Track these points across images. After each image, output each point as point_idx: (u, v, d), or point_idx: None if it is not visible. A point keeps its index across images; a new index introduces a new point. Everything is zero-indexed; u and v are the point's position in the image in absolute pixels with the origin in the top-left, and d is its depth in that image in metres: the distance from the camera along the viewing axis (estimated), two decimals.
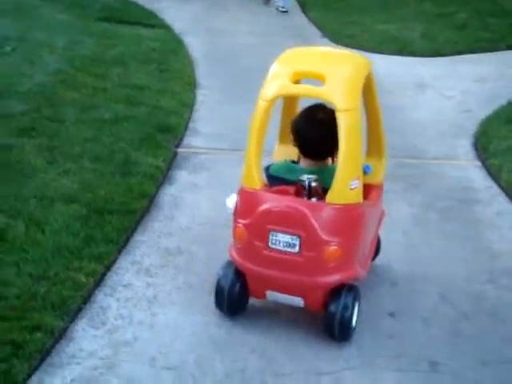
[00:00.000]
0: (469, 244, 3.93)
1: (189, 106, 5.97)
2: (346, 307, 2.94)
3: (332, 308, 2.94)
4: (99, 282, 3.33)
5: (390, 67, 7.10)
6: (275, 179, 3.04)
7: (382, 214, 3.41)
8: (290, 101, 3.35)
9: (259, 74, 3.16)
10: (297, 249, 2.86)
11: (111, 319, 3.09)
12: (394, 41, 8.05)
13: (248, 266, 3.00)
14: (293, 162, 3.15)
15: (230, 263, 3.12)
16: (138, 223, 3.91)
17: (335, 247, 2.85)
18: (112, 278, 3.39)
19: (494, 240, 3.98)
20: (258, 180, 2.94)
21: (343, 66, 2.98)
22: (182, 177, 4.63)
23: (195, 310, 3.20)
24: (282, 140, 3.42)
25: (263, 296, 3.07)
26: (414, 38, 8.17)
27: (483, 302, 3.40)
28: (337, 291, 2.95)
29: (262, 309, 3.21)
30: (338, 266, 2.90)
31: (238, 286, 3.06)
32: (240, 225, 2.97)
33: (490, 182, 4.73)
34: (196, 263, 3.58)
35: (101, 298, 3.23)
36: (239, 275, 3.06)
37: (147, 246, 3.72)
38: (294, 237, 2.85)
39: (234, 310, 3.12)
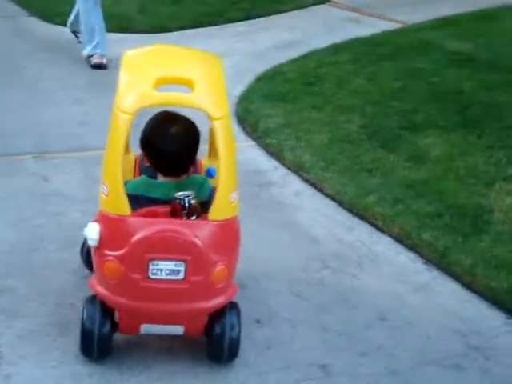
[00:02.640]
0: (285, 231, 3.89)
1: None
2: (232, 326, 2.72)
3: (218, 330, 2.70)
4: None
5: (115, 47, 6.13)
6: (134, 198, 2.66)
7: None
8: None
9: None
10: (181, 275, 2.56)
11: None
12: (113, 17, 7.58)
13: (122, 301, 2.61)
14: (150, 176, 2.81)
15: (91, 300, 2.69)
16: None
17: (222, 266, 2.61)
18: None
19: (306, 223, 3.99)
20: (125, 204, 2.56)
21: (207, 68, 2.71)
22: None
23: (53, 360, 2.72)
24: None
25: (136, 331, 2.72)
26: (132, 13, 7.82)
27: (329, 291, 3.38)
28: (219, 311, 2.72)
29: (126, 345, 2.84)
30: (223, 285, 2.67)
31: (107, 325, 2.66)
32: (111, 257, 2.56)
33: (274, 163, 4.74)
34: (23, 303, 3.06)
35: None
36: (107, 312, 2.66)
37: None
38: (179, 262, 2.54)
39: (104, 353, 2.72)
